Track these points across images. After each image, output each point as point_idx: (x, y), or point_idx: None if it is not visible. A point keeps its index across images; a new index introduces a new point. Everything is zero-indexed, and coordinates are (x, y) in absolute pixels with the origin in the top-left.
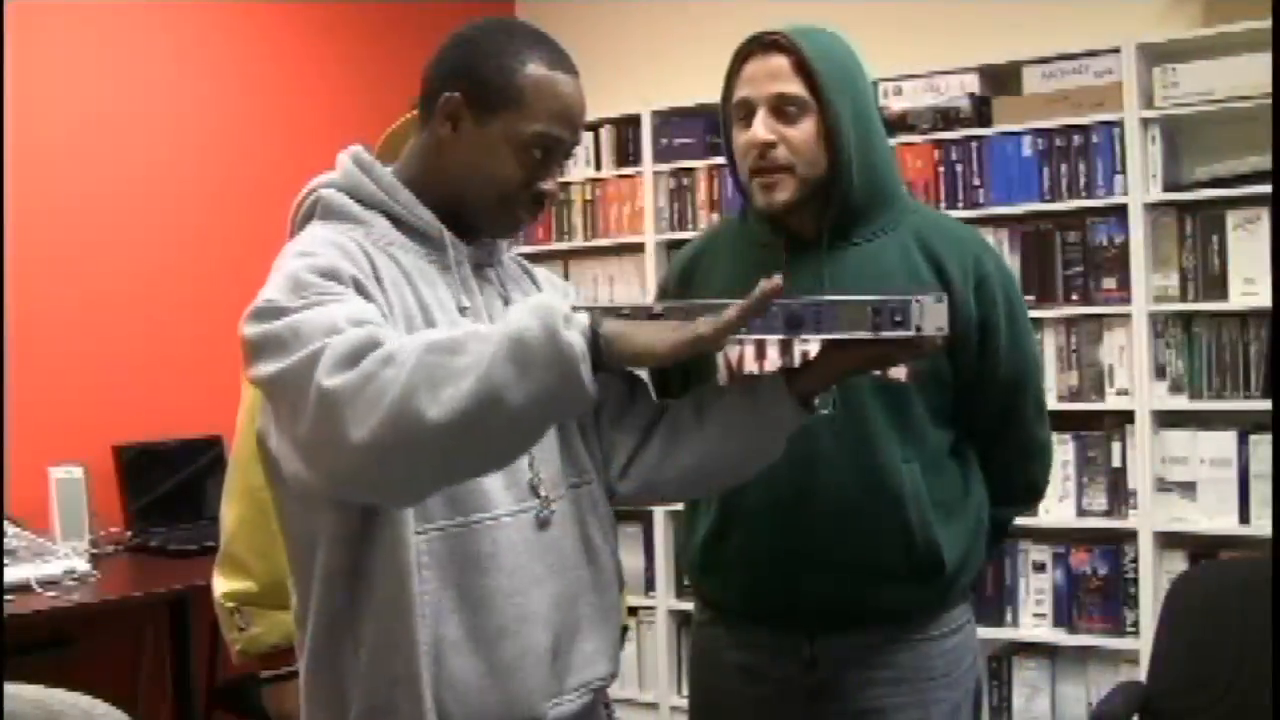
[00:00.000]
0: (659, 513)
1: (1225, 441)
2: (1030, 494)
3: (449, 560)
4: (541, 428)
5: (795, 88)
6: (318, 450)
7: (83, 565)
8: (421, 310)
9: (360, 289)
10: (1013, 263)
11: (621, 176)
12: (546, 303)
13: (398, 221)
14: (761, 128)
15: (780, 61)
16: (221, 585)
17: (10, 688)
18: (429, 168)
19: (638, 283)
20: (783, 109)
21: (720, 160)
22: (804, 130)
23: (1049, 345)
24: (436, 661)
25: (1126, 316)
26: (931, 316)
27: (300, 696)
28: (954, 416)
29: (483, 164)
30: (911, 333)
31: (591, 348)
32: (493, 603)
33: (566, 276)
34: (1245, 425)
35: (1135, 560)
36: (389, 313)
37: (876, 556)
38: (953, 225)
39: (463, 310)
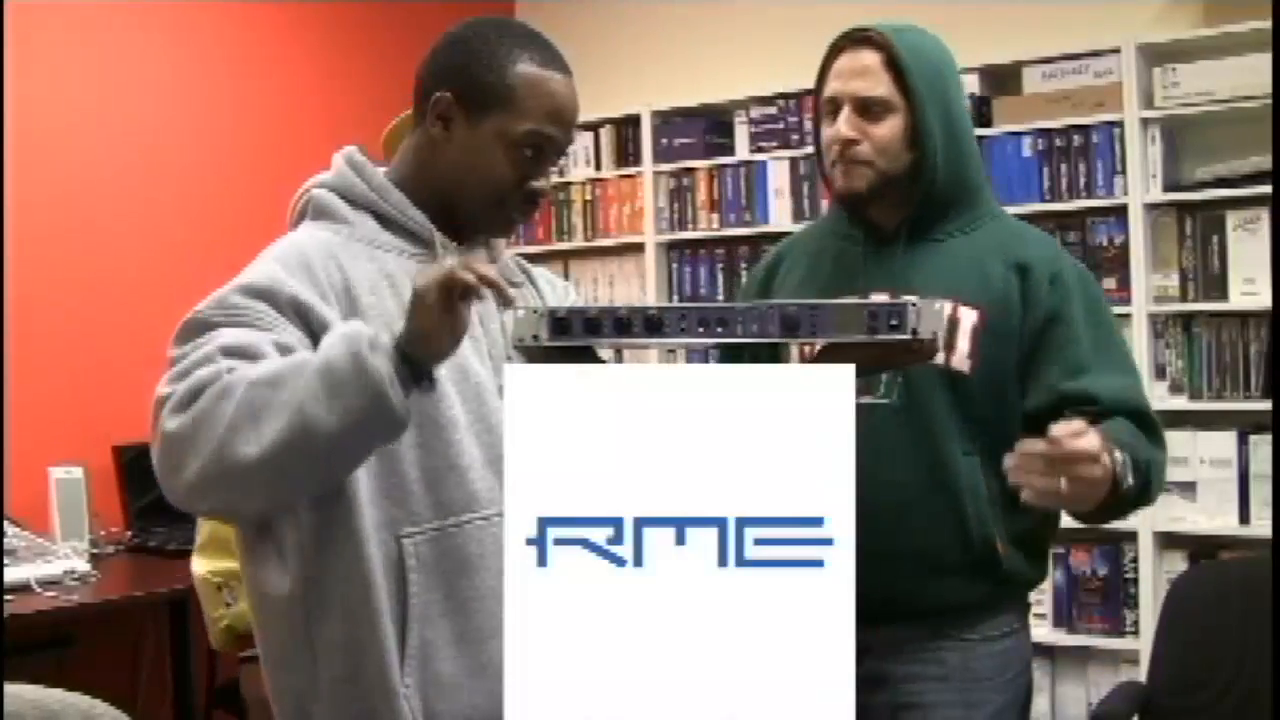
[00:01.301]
0: None
1: (1225, 442)
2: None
3: (436, 563)
4: (360, 453)
5: (882, 88)
6: (164, 481)
7: (83, 565)
8: (401, 314)
9: (299, 309)
10: None
11: (621, 176)
12: (355, 329)
13: (387, 222)
14: (845, 125)
15: (871, 58)
16: (203, 565)
17: (9, 688)
18: (422, 167)
19: (638, 283)
20: (869, 107)
21: (720, 160)
22: (889, 128)
23: None
24: (423, 665)
25: (1126, 316)
26: (928, 320)
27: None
28: (1025, 414)
29: (474, 163)
30: (907, 336)
31: (402, 366)
32: (481, 604)
33: (566, 276)
34: (1245, 425)
35: (1135, 560)
36: (362, 318)
37: (932, 548)
38: (1034, 231)
39: None
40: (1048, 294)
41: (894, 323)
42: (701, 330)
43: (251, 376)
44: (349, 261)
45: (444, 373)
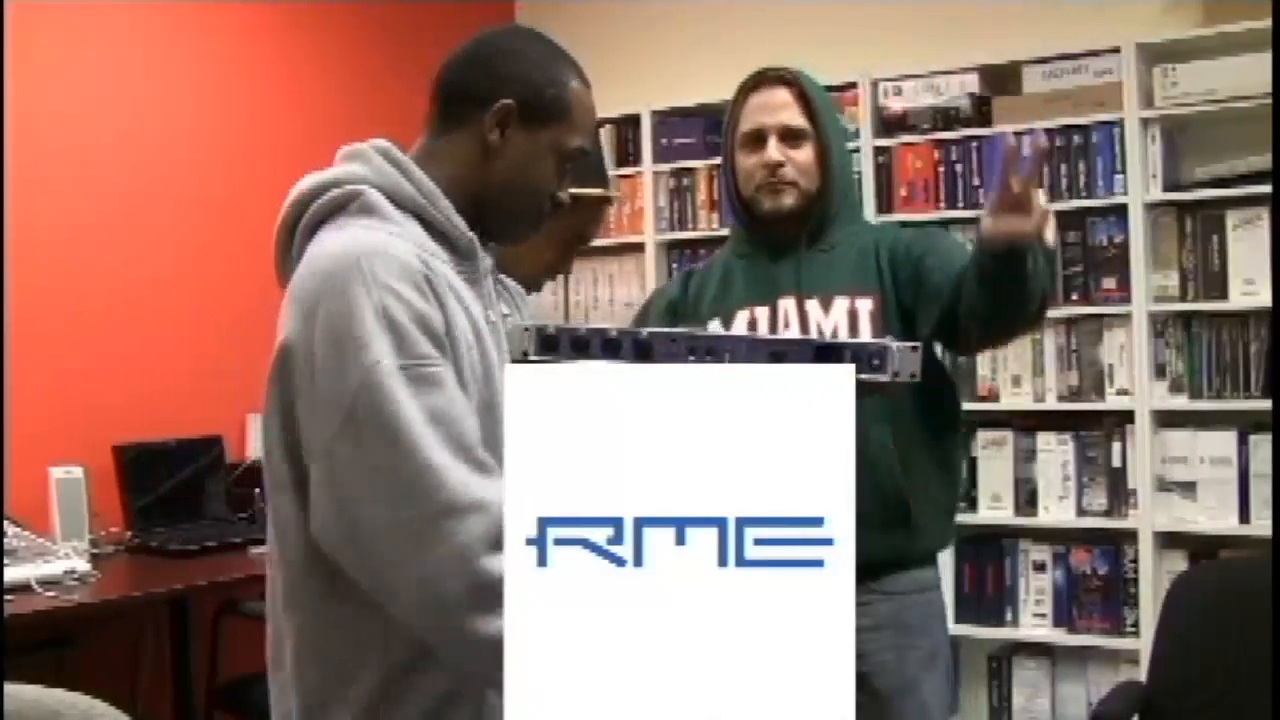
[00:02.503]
0: None
1: (1225, 441)
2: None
3: None
4: None
5: (800, 119)
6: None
7: (83, 565)
8: (472, 326)
9: (440, 346)
10: None
11: (621, 176)
12: None
13: (429, 227)
14: (774, 150)
15: (785, 94)
16: None
17: (9, 687)
18: (469, 172)
19: (638, 283)
20: (791, 135)
21: (720, 160)
22: (806, 153)
23: (1049, 345)
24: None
25: (1126, 316)
26: (906, 362)
27: None
28: (932, 389)
29: (528, 172)
30: (887, 378)
31: None
32: None
33: (567, 276)
34: (1245, 425)
35: (1135, 560)
36: (457, 335)
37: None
38: (888, 226)
39: (491, 324)
40: (907, 249)
41: (876, 363)
42: (691, 358)
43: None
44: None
45: (499, 389)
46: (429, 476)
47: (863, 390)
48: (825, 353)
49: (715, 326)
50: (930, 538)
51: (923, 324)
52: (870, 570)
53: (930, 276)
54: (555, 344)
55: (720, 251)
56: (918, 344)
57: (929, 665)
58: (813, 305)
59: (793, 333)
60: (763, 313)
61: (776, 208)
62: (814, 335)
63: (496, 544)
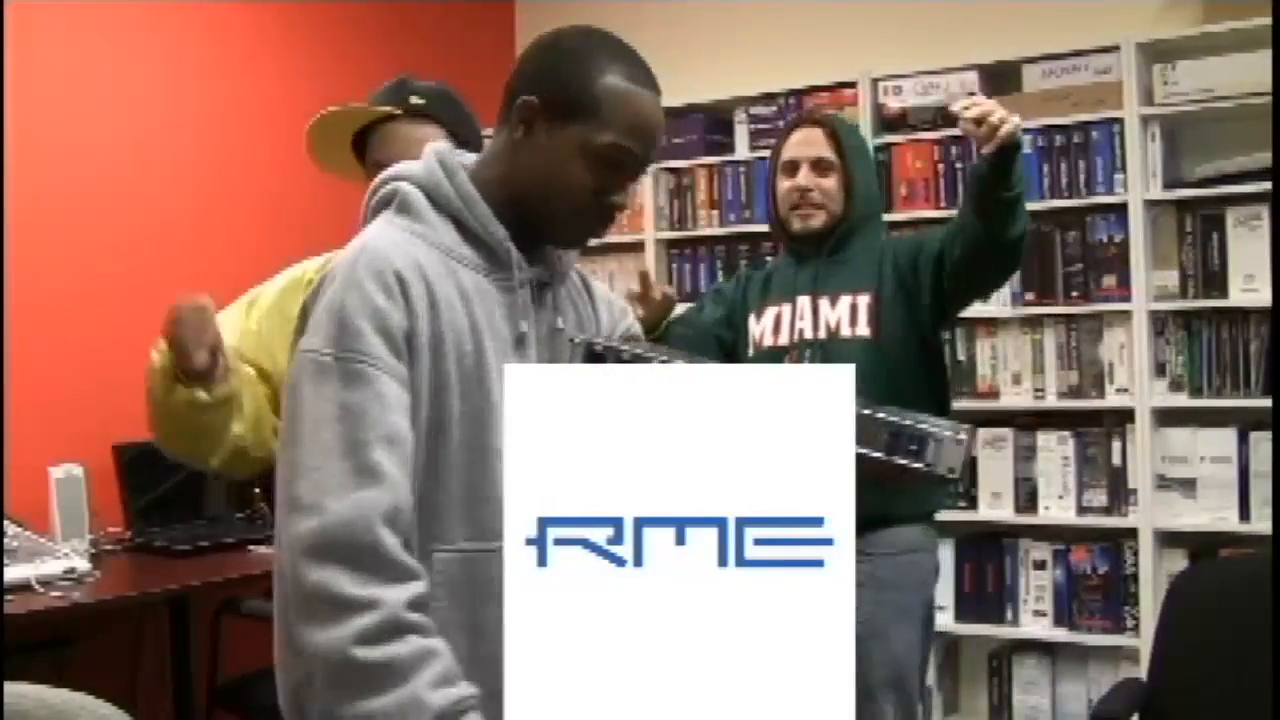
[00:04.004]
0: None
1: (1225, 439)
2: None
3: (464, 584)
4: None
5: (829, 153)
6: (310, 636)
7: (83, 565)
8: (473, 333)
9: (395, 348)
10: None
11: None
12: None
13: (467, 232)
14: (803, 178)
15: (818, 133)
16: None
17: (11, 687)
18: (505, 170)
19: (638, 281)
20: (819, 165)
21: (719, 159)
22: (832, 181)
23: (1049, 343)
24: None
25: (1126, 314)
26: (948, 455)
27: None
28: (927, 361)
29: (553, 171)
30: (922, 467)
31: None
32: (499, 631)
33: None
34: (1245, 423)
35: (1135, 558)
36: (439, 340)
37: None
38: (905, 239)
39: (520, 337)
40: (908, 246)
41: (913, 448)
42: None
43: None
44: (434, 269)
45: (497, 399)
46: (296, 468)
47: (903, 475)
48: (861, 424)
49: (753, 320)
50: (915, 499)
51: (925, 291)
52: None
53: (927, 244)
54: (601, 361)
55: (773, 258)
56: (963, 437)
57: (901, 619)
58: (823, 302)
59: (805, 324)
60: (786, 308)
61: (805, 228)
62: (822, 325)
63: (316, 551)
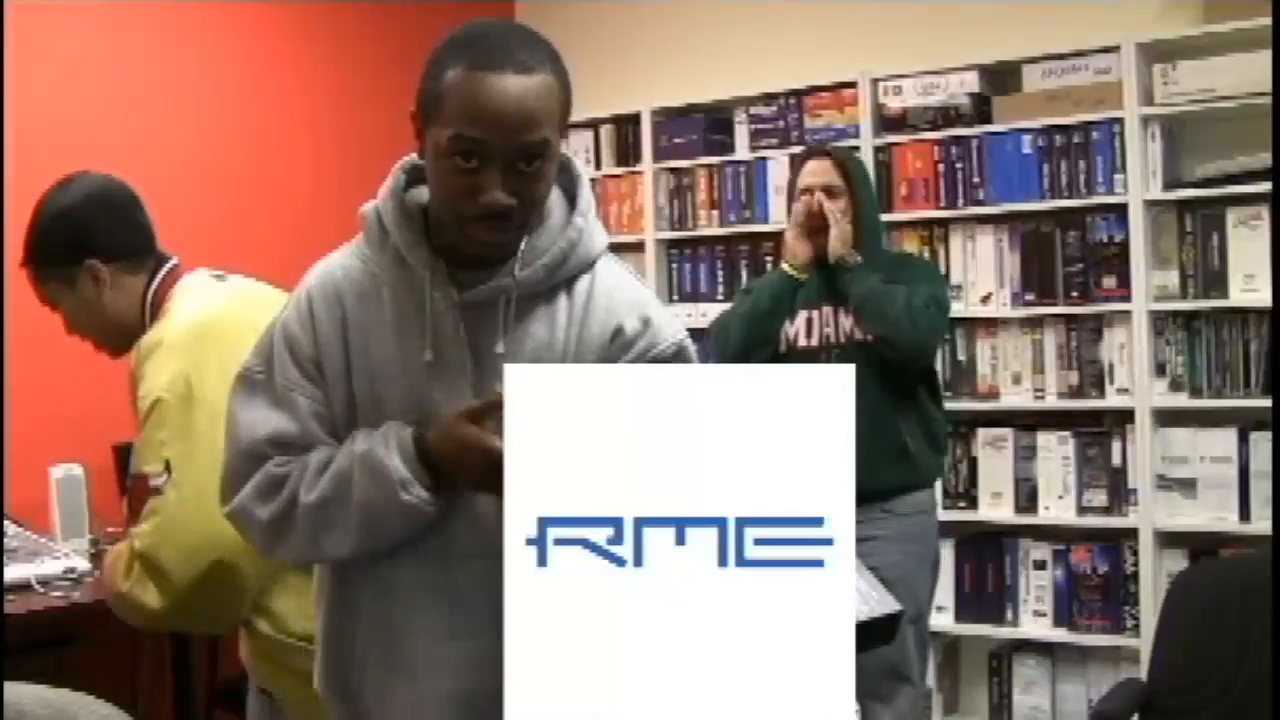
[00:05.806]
0: None
1: (1225, 439)
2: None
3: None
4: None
5: (837, 180)
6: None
7: (83, 564)
8: (382, 359)
9: (306, 372)
10: (1013, 261)
11: (621, 175)
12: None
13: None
14: (814, 201)
15: (827, 163)
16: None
17: (11, 687)
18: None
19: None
20: (829, 189)
21: (719, 159)
22: (840, 204)
23: (1049, 343)
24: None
25: (1127, 314)
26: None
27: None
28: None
29: (433, 181)
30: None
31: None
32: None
33: None
34: (1245, 423)
35: (1135, 558)
36: (347, 364)
37: (871, 453)
38: (894, 254)
39: (427, 364)
40: (891, 276)
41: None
42: None
43: (312, 500)
44: (356, 299)
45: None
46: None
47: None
48: None
49: (788, 320)
50: (926, 469)
51: None
52: (881, 495)
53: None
54: None
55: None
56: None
57: (921, 566)
58: (841, 309)
59: (830, 328)
60: (815, 313)
61: (815, 245)
62: (841, 330)
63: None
